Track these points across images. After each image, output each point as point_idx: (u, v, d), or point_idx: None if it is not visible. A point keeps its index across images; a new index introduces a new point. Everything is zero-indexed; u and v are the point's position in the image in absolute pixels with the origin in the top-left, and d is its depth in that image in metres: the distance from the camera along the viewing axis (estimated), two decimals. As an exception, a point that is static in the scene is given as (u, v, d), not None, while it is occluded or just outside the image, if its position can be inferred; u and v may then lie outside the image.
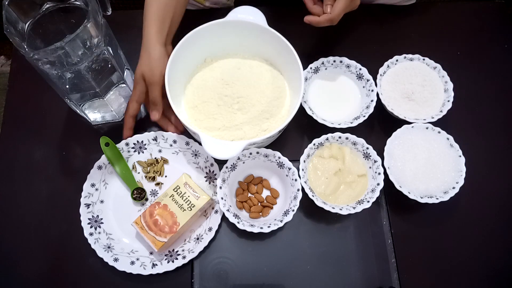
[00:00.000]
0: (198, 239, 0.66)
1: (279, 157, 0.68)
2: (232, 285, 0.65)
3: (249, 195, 0.70)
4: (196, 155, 0.71)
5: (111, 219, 0.68)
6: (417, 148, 0.70)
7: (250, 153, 0.68)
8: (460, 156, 0.69)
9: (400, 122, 0.72)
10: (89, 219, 0.66)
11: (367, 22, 0.86)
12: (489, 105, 0.80)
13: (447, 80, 0.75)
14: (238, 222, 0.64)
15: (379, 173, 0.67)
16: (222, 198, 0.65)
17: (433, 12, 0.88)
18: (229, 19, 0.69)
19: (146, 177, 0.71)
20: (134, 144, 0.71)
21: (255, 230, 0.63)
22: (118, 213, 0.69)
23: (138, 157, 0.72)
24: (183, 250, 0.65)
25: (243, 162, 0.69)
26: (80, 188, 0.67)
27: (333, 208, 0.64)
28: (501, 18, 0.88)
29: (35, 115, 0.76)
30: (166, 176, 0.71)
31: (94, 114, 0.73)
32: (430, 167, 0.69)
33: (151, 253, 0.66)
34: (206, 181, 0.70)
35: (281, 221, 0.64)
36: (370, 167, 0.69)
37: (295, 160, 0.68)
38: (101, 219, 0.67)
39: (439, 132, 0.71)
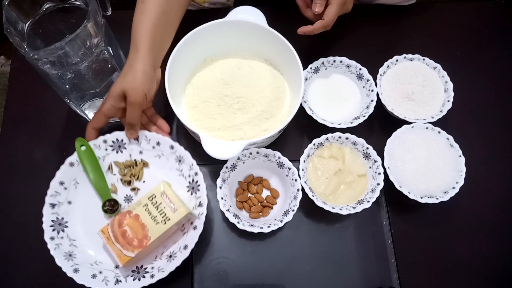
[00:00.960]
0: (171, 257, 0.60)
1: (279, 157, 0.68)
2: (232, 285, 0.65)
3: (249, 195, 0.70)
4: (180, 161, 0.64)
5: (77, 223, 0.61)
6: (417, 148, 0.70)
7: (250, 153, 0.68)
8: (460, 156, 0.69)
9: (400, 122, 0.72)
10: (52, 221, 0.60)
11: (367, 22, 0.86)
12: (489, 105, 0.80)
13: (447, 80, 0.75)
14: (238, 222, 0.64)
15: (379, 173, 0.67)
16: (222, 198, 0.65)
17: (433, 12, 0.88)
18: (229, 19, 0.69)
19: (121, 180, 0.65)
20: (113, 142, 0.65)
21: (255, 230, 0.63)
22: (86, 218, 0.62)
23: (115, 157, 0.65)
24: (152, 268, 0.59)
25: (243, 162, 0.69)
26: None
27: (333, 208, 0.64)
28: (501, 18, 0.88)
29: (35, 115, 0.76)
30: (144, 182, 0.65)
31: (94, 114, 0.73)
32: (430, 167, 0.69)
33: (116, 267, 0.59)
34: (188, 191, 0.64)
35: (281, 221, 0.64)
36: (370, 167, 0.69)
37: (295, 160, 0.68)
38: (66, 222, 0.61)
39: (439, 132, 0.71)
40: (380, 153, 0.69)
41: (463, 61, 0.83)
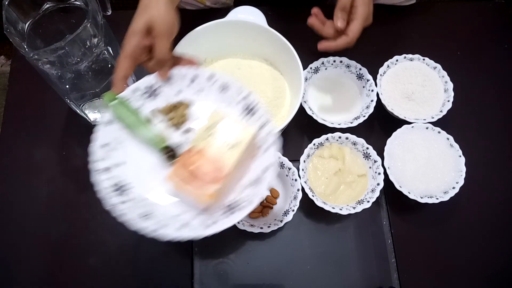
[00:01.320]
0: (253, 184, 0.52)
1: (279, 157, 0.68)
2: (232, 285, 0.65)
3: (249, 195, 0.70)
4: (224, 89, 0.56)
5: (139, 182, 0.53)
6: (417, 148, 0.70)
7: (250, 153, 0.67)
8: (460, 156, 0.69)
9: (400, 122, 0.72)
10: (109, 186, 0.51)
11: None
12: (489, 105, 0.80)
13: (447, 80, 0.75)
14: (238, 223, 0.64)
15: (379, 173, 0.67)
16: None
17: (433, 12, 0.88)
18: (229, 19, 0.69)
19: (169, 126, 0.57)
20: (146, 88, 0.56)
21: (255, 230, 0.63)
22: (146, 173, 0.54)
23: (153, 104, 0.57)
24: (235, 202, 0.52)
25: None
26: (80, 188, 0.67)
27: (333, 208, 0.64)
28: (501, 18, 0.88)
29: (35, 115, 0.76)
30: (192, 121, 0.57)
31: (94, 114, 0.73)
32: (430, 167, 0.69)
33: (198, 212, 0.52)
34: (244, 117, 0.56)
35: (281, 221, 0.64)
36: (370, 167, 0.69)
37: (295, 160, 0.68)
38: (126, 184, 0.52)
39: (439, 132, 0.71)
40: (380, 153, 0.69)
41: (463, 61, 0.83)
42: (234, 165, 0.51)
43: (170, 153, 0.55)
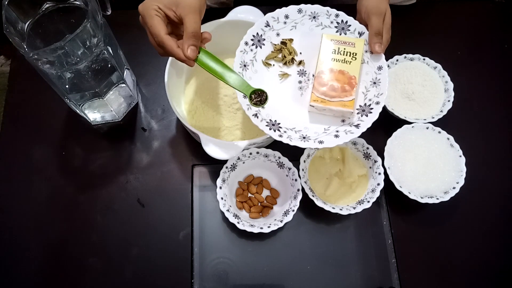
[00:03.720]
0: (375, 83, 0.61)
1: (279, 157, 0.68)
2: (232, 285, 0.65)
3: (249, 195, 0.70)
4: (314, 17, 0.64)
5: (284, 115, 0.61)
6: (418, 148, 0.70)
7: (250, 153, 0.68)
8: (460, 156, 0.69)
9: (400, 122, 0.72)
10: (267, 123, 0.59)
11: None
12: (489, 105, 0.79)
13: (447, 80, 0.75)
14: (238, 222, 0.64)
15: (379, 173, 0.67)
16: (222, 198, 0.65)
17: (433, 12, 0.88)
18: (229, 19, 0.69)
19: (286, 63, 0.64)
20: (252, 39, 0.63)
21: (255, 230, 0.63)
22: (284, 106, 0.62)
23: (263, 52, 0.64)
24: (365, 105, 0.61)
25: (243, 162, 0.69)
26: (80, 188, 0.67)
27: (333, 208, 0.64)
28: (501, 18, 0.88)
29: (35, 115, 0.76)
30: (301, 53, 0.65)
31: (93, 114, 0.73)
32: (431, 167, 0.69)
33: (342, 121, 0.61)
34: (340, 34, 0.64)
35: (281, 221, 0.64)
36: (370, 167, 0.69)
37: (295, 160, 0.68)
38: (275, 120, 0.60)
39: (439, 132, 0.71)
40: (380, 153, 0.69)
41: (463, 61, 0.83)
42: (360, 71, 0.60)
43: (257, 99, 0.57)
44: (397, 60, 0.77)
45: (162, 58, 0.65)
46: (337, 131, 0.60)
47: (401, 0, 0.86)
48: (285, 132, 0.59)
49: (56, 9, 0.61)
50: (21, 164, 0.72)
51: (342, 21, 0.63)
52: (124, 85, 0.71)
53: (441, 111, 0.73)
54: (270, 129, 0.58)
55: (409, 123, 0.71)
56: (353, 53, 0.61)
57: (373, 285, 0.66)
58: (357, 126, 0.59)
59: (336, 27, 0.64)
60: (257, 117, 0.59)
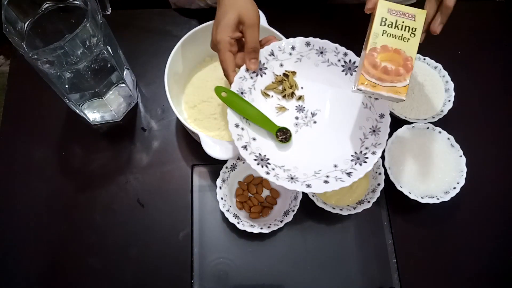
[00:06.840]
0: (374, 131, 0.58)
1: (279, 157, 0.68)
2: (232, 285, 0.65)
3: (249, 195, 0.70)
4: (322, 52, 0.62)
5: (275, 151, 0.59)
6: (418, 148, 0.70)
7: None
8: (461, 156, 0.69)
9: (400, 122, 0.72)
10: (254, 159, 0.56)
11: (368, 21, 0.85)
12: (489, 105, 0.79)
13: (448, 80, 0.75)
14: (238, 223, 0.63)
15: (380, 173, 0.67)
16: (222, 199, 0.65)
17: (433, 12, 0.88)
18: (229, 19, 0.68)
19: (284, 96, 0.62)
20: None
21: (255, 230, 0.63)
22: (273, 147, 0.60)
23: (263, 81, 0.61)
24: (366, 148, 0.58)
25: (243, 162, 0.68)
26: (79, 188, 0.67)
27: (334, 208, 0.64)
28: (501, 18, 0.87)
29: (34, 115, 0.76)
30: (302, 88, 0.63)
31: (93, 114, 0.73)
32: (431, 167, 0.69)
33: (335, 166, 0.57)
34: (345, 74, 0.61)
35: (281, 221, 0.64)
36: (370, 167, 0.69)
37: (295, 160, 0.68)
38: (265, 155, 0.57)
39: (439, 132, 0.71)
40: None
41: (463, 61, 0.83)
42: (415, 53, 0.51)
43: (283, 136, 0.59)
44: (397, 60, 0.77)
45: (162, 58, 0.66)
46: (327, 176, 0.56)
47: (401, 0, 0.86)
48: (273, 169, 0.56)
49: (56, 9, 0.61)
50: (20, 164, 0.72)
51: (349, 60, 0.61)
52: (123, 85, 0.71)
53: (442, 111, 0.73)
54: (258, 164, 0.55)
55: (410, 123, 0.71)
56: (412, 28, 0.51)
57: (373, 285, 0.66)
58: (348, 174, 0.55)
59: (343, 66, 0.61)
60: (246, 150, 0.56)
